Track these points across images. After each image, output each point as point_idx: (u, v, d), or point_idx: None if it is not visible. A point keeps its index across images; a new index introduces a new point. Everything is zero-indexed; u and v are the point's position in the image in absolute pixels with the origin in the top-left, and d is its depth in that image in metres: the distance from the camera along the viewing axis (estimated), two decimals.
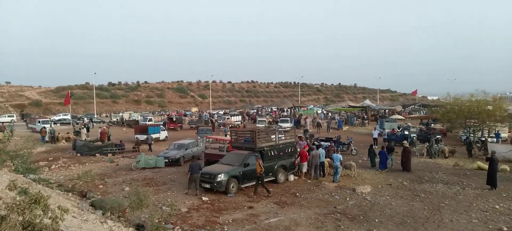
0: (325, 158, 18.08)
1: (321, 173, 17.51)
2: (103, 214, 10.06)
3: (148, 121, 43.94)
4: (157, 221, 9.63)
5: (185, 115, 65.34)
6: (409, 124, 39.58)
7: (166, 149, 23.78)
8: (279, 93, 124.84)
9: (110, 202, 10.50)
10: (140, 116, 54.31)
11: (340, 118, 49.36)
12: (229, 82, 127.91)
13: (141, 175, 18.05)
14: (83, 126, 36.93)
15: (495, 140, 28.18)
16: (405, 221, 11.41)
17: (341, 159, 17.20)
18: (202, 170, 15.18)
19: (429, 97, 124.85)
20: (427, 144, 24.94)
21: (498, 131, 29.46)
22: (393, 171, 19.21)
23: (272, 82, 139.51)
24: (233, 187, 14.39)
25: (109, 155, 24.36)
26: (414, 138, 28.50)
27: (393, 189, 15.39)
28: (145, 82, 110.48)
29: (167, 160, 20.63)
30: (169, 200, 13.28)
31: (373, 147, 22.11)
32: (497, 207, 12.75)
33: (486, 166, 17.15)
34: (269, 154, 16.11)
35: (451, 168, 20.34)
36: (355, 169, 17.95)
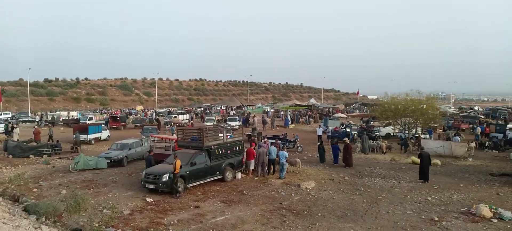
0: None
1: (269, 170, 17.71)
2: (37, 219, 9.47)
3: (89, 120, 41.77)
4: (97, 224, 9.23)
5: (130, 113, 63.07)
6: (351, 122, 41.42)
7: (108, 149, 22.79)
8: (227, 92, 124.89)
9: (45, 206, 9.90)
10: (79, 114, 51.38)
11: (288, 116, 50.38)
12: (177, 80, 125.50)
13: (80, 177, 17.11)
14: (16, 125, 34.15)
15: (427, 136, 30.37)
16: (346, 214, 11.95)
17: (287, 156, 17.58)
18: (147, 170, 14.74)
19: (370, 97, 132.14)
20: (359, 139, 26.23)
21: (430, 128, 31.77)
22: (336, 166, 20.04)
23: (220, 81, 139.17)
24: (179, 187, 14.12)
25: (45, 156, 22.82)
26: (355, 135, 29.89)
27: (335, 184, 16.04)
28: (86, 79, 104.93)
29: (109, 161, 19.74)
30: (110, 202, 12.71)
31: (322, 144, 22.85)
32: (429, 198, 13.75)
33: (419, 161, 18.39)
34: (217, 153, 16.02)
35: (388, 163, 21.59)
36: (300, 166, 18.42)
